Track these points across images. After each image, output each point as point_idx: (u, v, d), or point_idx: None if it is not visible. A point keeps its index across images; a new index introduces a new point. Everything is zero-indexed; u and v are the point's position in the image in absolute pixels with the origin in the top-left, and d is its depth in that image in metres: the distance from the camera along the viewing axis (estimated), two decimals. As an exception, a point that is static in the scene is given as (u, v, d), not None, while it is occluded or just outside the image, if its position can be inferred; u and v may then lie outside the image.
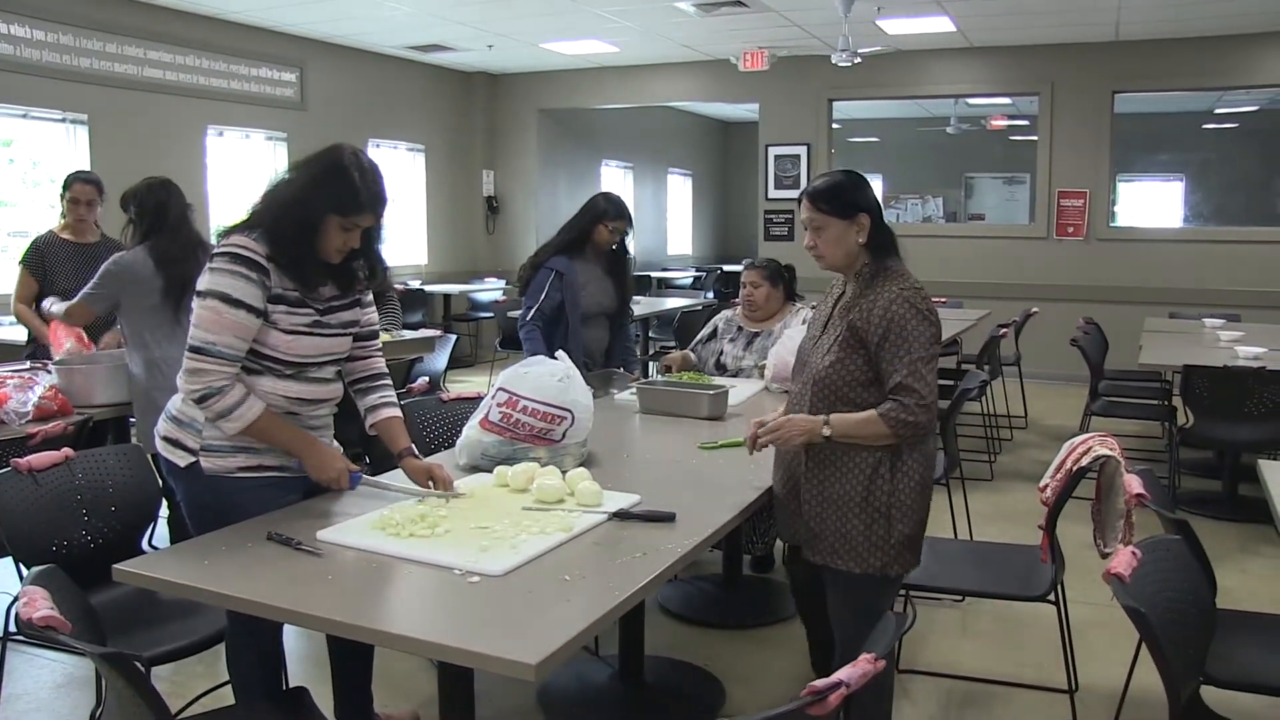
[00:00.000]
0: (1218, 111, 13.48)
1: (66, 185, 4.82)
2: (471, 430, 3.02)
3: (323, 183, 2.49)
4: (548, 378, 3.03)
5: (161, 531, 4.24)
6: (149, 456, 3.10)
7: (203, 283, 2.48)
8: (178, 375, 2.58)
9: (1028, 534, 4.74)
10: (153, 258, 3.90)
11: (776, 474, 2.78)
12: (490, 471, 2.87)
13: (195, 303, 2.48)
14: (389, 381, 2.88)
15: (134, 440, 3.93)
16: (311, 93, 9.28)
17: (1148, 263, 9.30)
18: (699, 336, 4.70)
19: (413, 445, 2.76)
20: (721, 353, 4.59)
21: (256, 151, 8.89)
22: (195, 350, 2.44)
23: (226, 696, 2.82)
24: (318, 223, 2.49)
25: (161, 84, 7.92)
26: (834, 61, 7.77)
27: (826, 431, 2.56)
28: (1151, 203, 14.36)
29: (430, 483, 2.65)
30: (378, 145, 10.06)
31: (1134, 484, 2.73)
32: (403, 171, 10.52)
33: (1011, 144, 14.69)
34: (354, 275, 2.70)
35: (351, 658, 2.89)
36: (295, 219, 2.49)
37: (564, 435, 3.01)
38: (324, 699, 2.55)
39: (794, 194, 10.23)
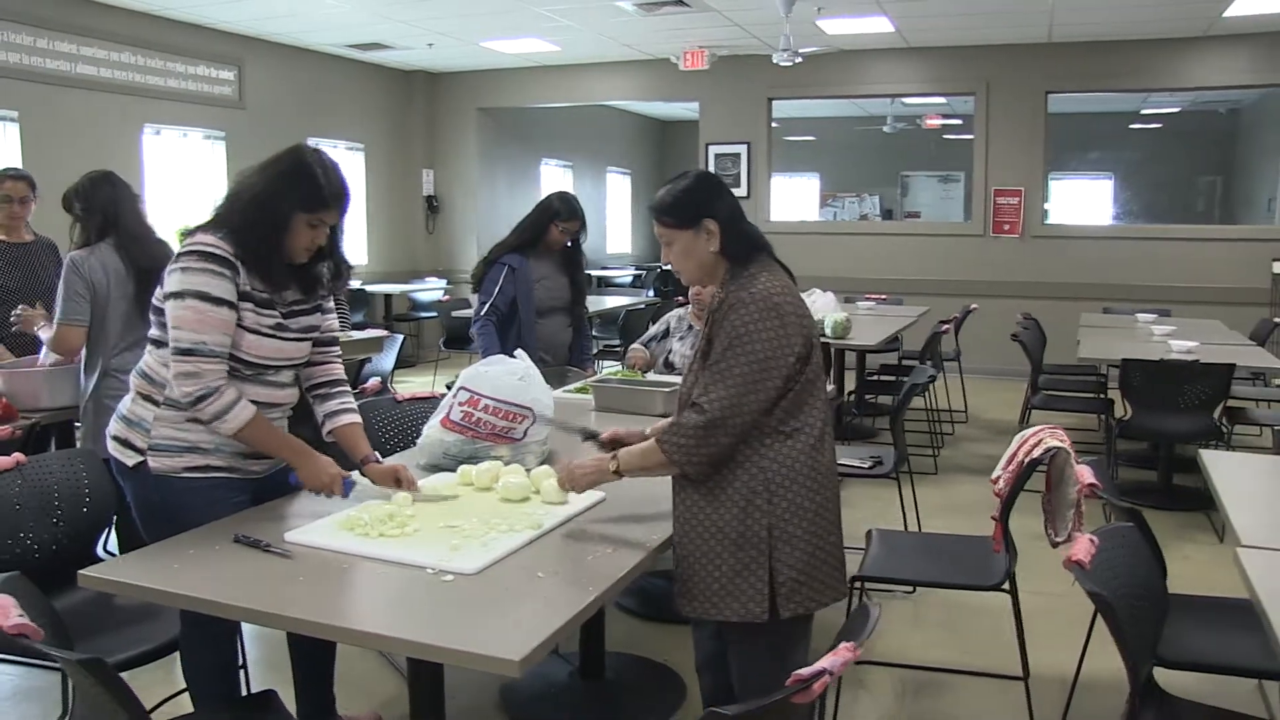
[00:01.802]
0: (1144, 112, 13.86)
1: None
2: (432, 430, 3.02)
3: (288, 181, 2.51)
4: (508, 376, 3.04)
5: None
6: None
7: (174, 283, 2.45)
8: (134, 375, 2.55)
9: (974, 526, 4.85)
10: (123, 258, 3.69)
11: None
12: (452, 470, 2.88)
13: (171, 304, 2.44)
14: (348, 388, 2.87)
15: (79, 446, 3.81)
16: (250, 91, 9.13)
17: (1080, 259, 9.52)
18: (651, 334, 4.72)
19: (374, 452, 2.75)
20: (671, 351, 4.62)
21: (195, 150, 8.73)
22: (185, 352, 2.41)
23: (184, 704, 2.78)
24: (285, 221, 2.50)
25: (95, 81, 7.74)
26: (775, 61, 7.83)
27: (613, 466, 2.37)
28: (1082, 201, 14.71)
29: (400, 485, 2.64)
30: (317, 144, 9.89)
31: (1086, 474, 2.81)
32: (343, 170, 10.37)
33: (945, 143, 14.95)
34: (317, 280, 2.70)
35: (314, 660, 2.87)
36: (262, 218, 2.49)
37: (525, 433, 3.02)
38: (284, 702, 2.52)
39: (734, 193, 10.32)
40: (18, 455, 2.88)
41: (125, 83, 7.96)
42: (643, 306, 9.25)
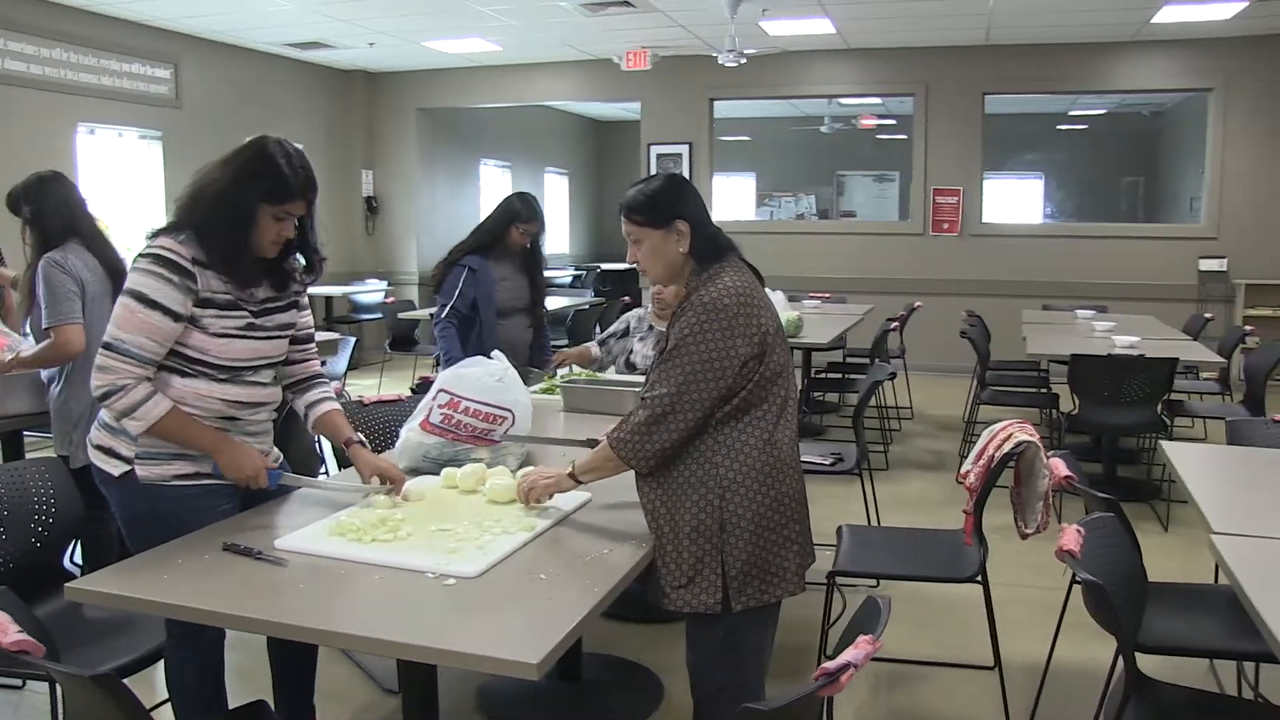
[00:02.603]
0: (1072, 114, 14.20)
1: None
2: (411, 433, 2.99)
3: (250, 173, 2.44)
4: (487, 378, 3.02)
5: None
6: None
7: (127, 282, 2.43)
8: None
9: (928, 519, 4.95)
10: (96, 257, 3.59)
11: None
12: (431, 474, 2.86)
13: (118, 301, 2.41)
14: (326, 380, 2.84)
15: (53, 454, 3.67)
16: (187, 90, 8.93)
17: (1017, 257, 9.74)
18: (611, 331, 4.72)
19: (360, 435, 2.74)
20: (632, 351, 4.63)
21: (130, 151, 8.51)
22: (105, 346, 2.39)
23: (165, 716, 2.72)
24: (250, 215, 2.44)
25: (25, 78, 7.50)
26: (721, 62, 7.90)
27: (569, 471, 2.44)
28: (1013, 200, 15.02)
29: (374, 479, 2.62)
30: (256, 143, 9.74)
31: (1060, 467, 2.88)
32: (307, 158, 10.23)
33: (880, 143, 15.17)
34: (288, 275, 2.65)
35: (295, 667, 2.83)
36: (226, 215, 2.43)
37: (504, 435, 3.00)
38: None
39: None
40: (-18, 464, 2.80)
41: (57, 80, 7.74)
42: (587, 307, 9.25)
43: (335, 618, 1.93)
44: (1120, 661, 2.55)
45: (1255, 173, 9.14)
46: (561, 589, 2.07)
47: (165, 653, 2.58)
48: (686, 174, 10.55)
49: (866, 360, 7.40)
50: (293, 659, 2.80)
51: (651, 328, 4.63)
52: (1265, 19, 8.27)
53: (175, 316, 2.39)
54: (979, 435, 3.25)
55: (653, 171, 10.59)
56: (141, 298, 2.37)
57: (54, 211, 3.60)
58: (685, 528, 2.28)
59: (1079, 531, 2.28)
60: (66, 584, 2.09)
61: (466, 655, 1.76)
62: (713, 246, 2.41)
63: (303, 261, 2.69)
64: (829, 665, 1.59)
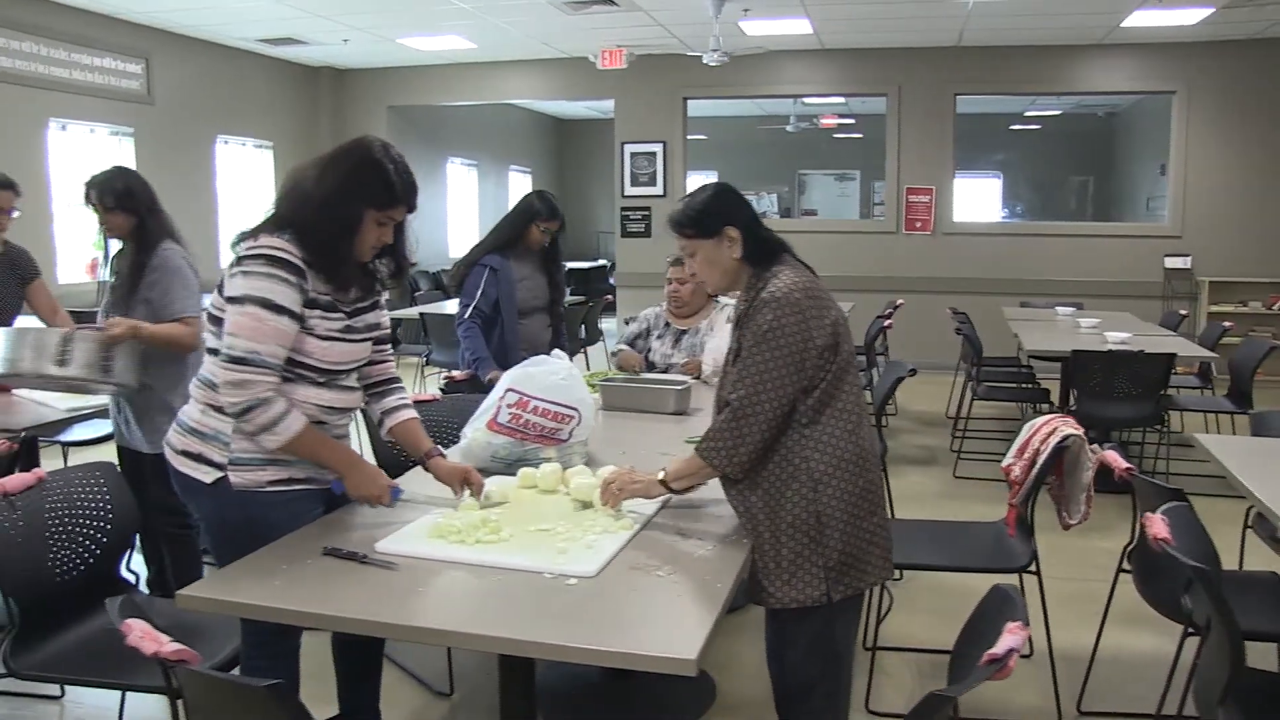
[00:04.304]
0: (1027, 114, 14.48)
1: None
2: (479, 433, 2.98)
3: (357, 177, 2.42)
4: (553, 377, 3.02)
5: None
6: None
7: (236, 288, 2.35)
8: (196, 386, 2.47)
9: (933, 512, 5.06)
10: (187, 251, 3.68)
11: None
12: (500, 474, 2.85)
13: (231, 309, 2.35)
14: (403, 384, 2.82)
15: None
16: (158, 86, 8.74)
17: (988, 255, 9.90)
18: (633, 333, 4.72)
19: (437, 446, 2.71)
20: (651, 350, 4.64)
21: (102, 147, 8.31)
22: (237, 360, 2.31)
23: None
24: (357, 219, 2.42)
25: (-4, 71, 7.30)
26: (705, 61, 7.95)
27: (661, 477, 2.45)
28: (973, 198, 15.28)
29: (465, 488, 2.61)
30: (226, 141, 9.57)
31: (1118, 460, 2.96)
32: (251, 169, 10.09)
33: (837, 141, 15.32)
34: (374, 275, 2.63)
35: (363, 671, 2.81)
36: (332, 217, 2.40)
37: (570, 434, 3.01)
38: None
39: (650, 191, 10.47)
40: (38, 471, 2.74)
41: (28, 74, 7.51)
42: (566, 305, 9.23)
43: (473, 620, 1.92)
44: (1183, 647, 2.65)
45: (1217, 173, 9.40)
46: (685, 585, 2.09)
47: (241, 662, 2.54)
48: (661, 173, 10.59)
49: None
50: (360, 661, 2.78)
51: (668, 325, 4.65)
52: (1228, 25, 8.52)
53: (298, 319, 2.36)
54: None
55: (627, 171, 10.64)
56: (268, 304, 2.31)
57: (160, 210, 3.69)
58: (783, 524, 2.31)
59: (1165, 521, 2.35)
60: (179, 592, 2.06)
61: (627, 655, 1.78)
62: (766, 249, 2.45)
63: (385, 269, 2.67)
64: (995, 651, 1.64)
